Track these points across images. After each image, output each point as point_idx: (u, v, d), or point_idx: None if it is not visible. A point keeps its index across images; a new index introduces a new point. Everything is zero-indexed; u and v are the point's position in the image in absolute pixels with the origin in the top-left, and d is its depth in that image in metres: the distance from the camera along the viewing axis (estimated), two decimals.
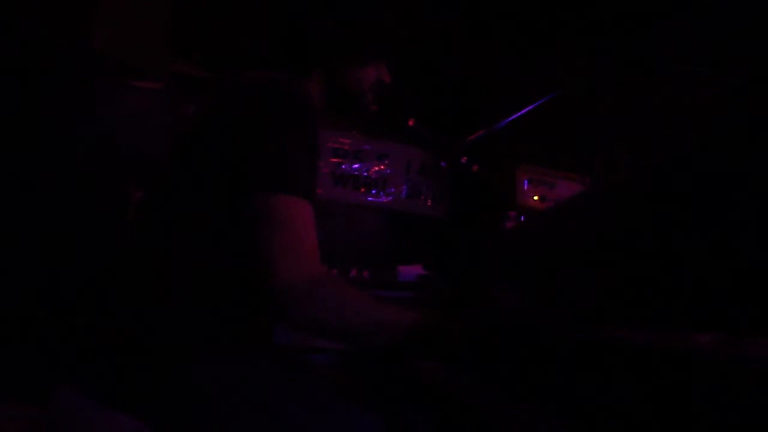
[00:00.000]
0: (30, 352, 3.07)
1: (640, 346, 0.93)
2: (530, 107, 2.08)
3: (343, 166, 4.22)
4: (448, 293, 1.80)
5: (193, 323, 1.22)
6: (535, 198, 4.13)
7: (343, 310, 1.16)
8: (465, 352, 1.17)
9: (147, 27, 3.39)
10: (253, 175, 1.18)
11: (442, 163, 1.52)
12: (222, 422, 1.15)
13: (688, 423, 0.81)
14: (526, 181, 4.12)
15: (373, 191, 4.32)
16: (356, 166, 4.27)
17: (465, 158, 1.57)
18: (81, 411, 1.16)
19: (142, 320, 1.22)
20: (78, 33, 3.16)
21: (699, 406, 0.80)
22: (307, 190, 1.20)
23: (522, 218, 3.46)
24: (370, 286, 2.37)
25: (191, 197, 1.26)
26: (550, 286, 1.40)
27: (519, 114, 2.00)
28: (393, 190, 4.37)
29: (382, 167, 4.35)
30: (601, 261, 1.25)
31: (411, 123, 1.58)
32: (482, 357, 1.17)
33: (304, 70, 1.46)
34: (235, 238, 1.19)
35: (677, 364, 0.85)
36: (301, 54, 1.47)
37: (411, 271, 2.31)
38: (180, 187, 1.28)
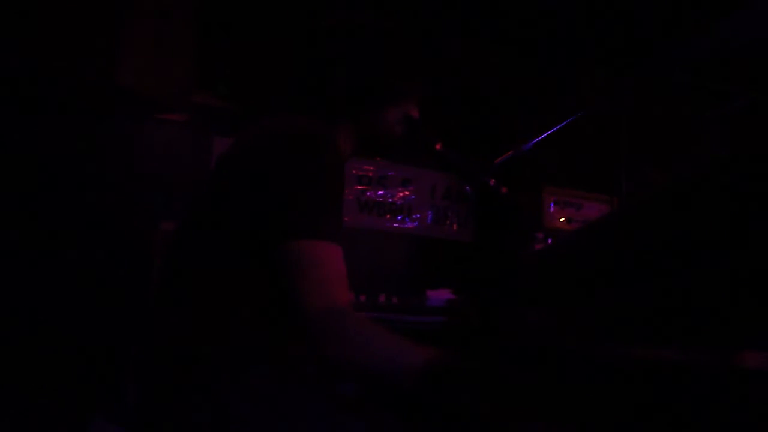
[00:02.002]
0: (67, 386, 3.09)
1: (679, 366, 0.92)
2: (556, 128, 2.07)
3: (368, 193, 4.23)
4: (477, 317, 1.79)
5: (228, 358, 1.23)
6: (562, 220, 4.12)
7: (370, 348, 1.16)
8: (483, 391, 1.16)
9: (171, 59, 3.43)
10: (280, 222, 1.20)
11: (467, 188, 1.52)
12: None
13: None
14: (552, 203, 4.10)
15: (399, 217, 4.32)
16: (381, 192, 4.28)
17: (493, 181, 1.57)
18: None
19: (177, 354, 1.23)
20: (102, 67, 3.21)
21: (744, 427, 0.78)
22: (336, 234, 1.21)
23: (549, 241, 3.44)
24: (399, 312, 2.36)
25: (222, 242, 1.27)
26: (580, 308, 1.38)
27: (545, 135, 1.99)
28: (418, 215, 4.37)
29: (407, 193, 4.36)
30: (630, 281, 1.23)
31: (438, 146, 1.57)
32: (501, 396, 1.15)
33: (328, 117, 1.46)
34: (267, 285, 1.22)
35: (720, 383, 0.83)
36: (323, 102, 1.47)
37: (439, 295, 2.30)
38: (210, 230, 1.30)
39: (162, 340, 1.28)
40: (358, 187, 4.21)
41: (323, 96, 1.47)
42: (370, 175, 4.25)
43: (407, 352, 1.17)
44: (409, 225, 4.34)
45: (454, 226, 4.46)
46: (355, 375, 1.24)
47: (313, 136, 1.28)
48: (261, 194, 1.23)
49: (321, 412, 1.22)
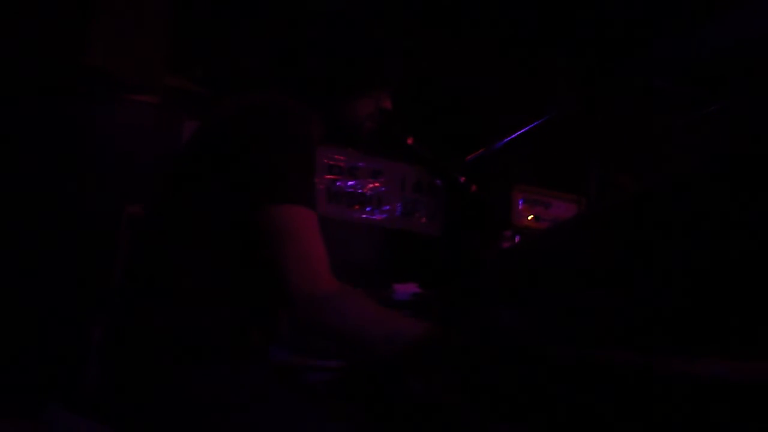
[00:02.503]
0: (22, 369, 3.05)
1: (640, 369, 0.93)
2: (527, 128, 2.08)
3: (338, 183, 4.22)
4: (443, 312, 1.79)
5: (193, 338, 1.22)
6: (531, 218, 4.14)
7: (360, 319, 1.19)
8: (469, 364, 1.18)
9: (144, 42, 3.38)
10: (259, 188, 1.20)
11: (438, 181, 1.53)
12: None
13: None
14: (521, 201, 4.13)
15: (368, 208, 4.31)
16: (351, 183, 4.27)
17: (463, 178, 1.57)
18: (72, 428, 1.15)
19: (142, 335, 1.22)
20: (74, 48, 3.15)
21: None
22: (311, 200, 1.23)
23: (517, 238, 3.46)
24: None
25: (198, 213, 1.28)
26: (547, 307, 1.39)
27: (516, 134, 2.00)
28: (388, 207, 4.37)
29: (377, 184, 4.35)
30: (597, 282, 1.24)
31: (410, 141, 1.58)
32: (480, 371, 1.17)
33: (301, 101, 1.46)
34: (247, 251, 1.23)
35: (680, 388, 0.84)
36: (297, 87, 1.47)
37: (406, 289, 2.29)
38: (186, 203, 1.30)
39: (130, 324, 1.27)
40: (329, 176, 4.19)
41: (297, 81, 1.47)
42: (341, 165, 4.24)
43: (402, 322, 1.21)
44: (378, 216, 4.34)
45: (423, 219, 4.47)
46: (343, 343, 1.26)
47: (289, 107, 1.31)
48: (239, 163, 1.24)
49: (289, 401, 1.22)
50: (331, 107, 1.49)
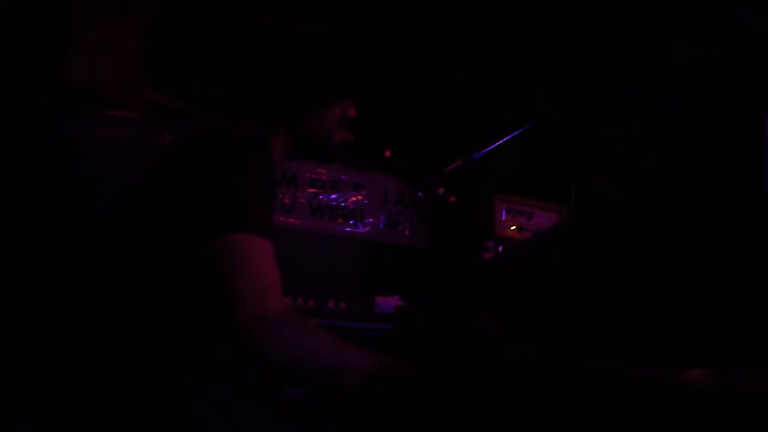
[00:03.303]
0: None
1: (623, 378, 0.93)
2: (507, 138, 2.08)
3: (321, 197, 4.21)
4: (425, 325, 1.79)
5: (159, 357, 1.21)
6: (513, 228, 4.14)
7: (305, 349, 1.17)
8: (429, 397, 1.16)
9: (123, 57, 3.37)
10: (211, 216, 1.21)
11: (420, 193, 1.53)
12: None
13: None
14: (503, 211, 4.13)
15: (351, 221, 4.30)
16: (333, 196, 4.26)
17: (442, 189, 1.57)
18: None
19: (110, 353, 1.21)
20: (52, 64, 3.13)
21: None
22: (264, 228, 1.22)
23: (500, 248, 3.47)
24: (347, 318, 2.35)
25: (158, 235, 1.27)
26: (529, 318, 1.39)
27: (496, 145, 2.00)
28: (371, 220, 4.36)
29: (360, 197, 4.35)
30: (579, 292, 1.24)
31: (387, 154, 1.57)
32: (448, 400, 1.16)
33: (265, 117, 1.46)
34: (198, 278, 1.22)
35: (661, 397, 0.84)
36: (260, 103, 1.48)
37: (388, 302, 2.29)
38: (148, 225, 1.30)
39: (96, 341, 1.26)
40: (311, 190, 4.18)
41: (260, 97, 1.47)
42: (323, 178, 4.23)
43: (349, 355, 1.19)
44: (362, 230, 4.33)
45: (406, 231, 4.46)
46: (297, 377, 1.25)
47: (240, 133, 1.31)
48: (194, 188, 1.25)
49: (263, 417, 1.21)
50: (296, 121, 1.49)
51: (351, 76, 1.55)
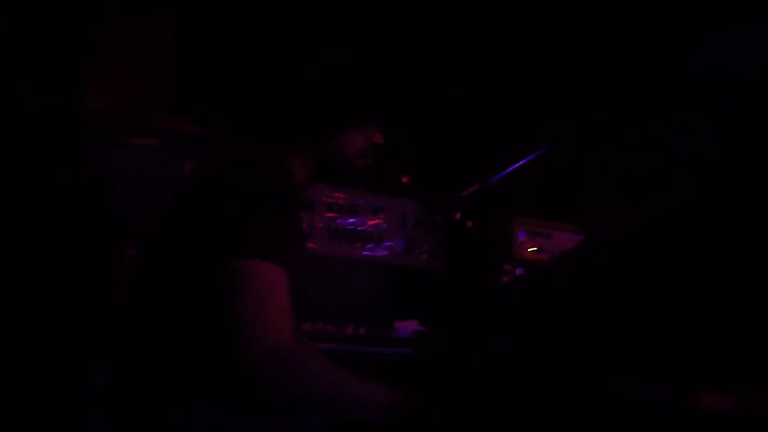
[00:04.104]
0: (30, 411, 3.03)
1: (641, 403, 0.92)
2: (523, 161, 2.09)
3: (338, 221, 4.22)
4: (445, 350, 1.78)
5: (176, 378, 1.22)
6: (532, 249, 4.14)
7: (311, 382, 1.15)
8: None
9: (142, 84, 3.42)
10: (224, 241, 1.18)
11: (437, 217, 1.53)
12: None
13: None
14: (522, 234, 4.12)
15: (369, 245, 4.31)
16: (351, 220, 4.27)
17: (459, 214, 1.58)
18: None
19: (135, 385, 1.22)
20: (72, 92, 3.18)
21: None
22: (281, 256, 1.19)
23: (519, 271, 3.46)
24: (366, 343, 2.35)
25: (174, 263, 1.27)
26: (549, 340, 1.39)
27: (512, 168, 2.01)
28: (389, 243, 4.36)
29: (378, 221, 4.35)
30: (600, 315, 1.24)
31: (404, 180, 1.58)
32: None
33: (288, 142, 1.46)
34: (209, 304, 1.18)
35: (681, 422, 0.84)
36: (283, 128, 1.47)
37: (407, 327, 2.29)
38: (165, 252, 1.30)
39: (122, 371, 1.28)
40: (329, 214, 4.20)
41: (283, 122, 1.47)
42: (341, 202, 4.25)
43: (364, 387, 1.18)
44: (380, 253, 4.33)
45: (425, 255, 4.46)
46: (304, 408, 1.23)
47: (258, 158, 1.30)
48: (206, 216, 1.23)
49: None
50: (320, 146, 1.48)
51: (375, 100, 1.55)
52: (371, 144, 1.54)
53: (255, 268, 1.16)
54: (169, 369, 1.22)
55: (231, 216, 1.21)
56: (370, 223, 4.33)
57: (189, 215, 1.28)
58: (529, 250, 4.09)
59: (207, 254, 1.20)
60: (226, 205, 1.22)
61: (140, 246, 1.43)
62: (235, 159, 1.32)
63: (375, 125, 1.55)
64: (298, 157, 1.46)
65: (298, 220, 1.32)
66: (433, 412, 1.16)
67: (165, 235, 1.33)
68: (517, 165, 2.06)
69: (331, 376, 1.17)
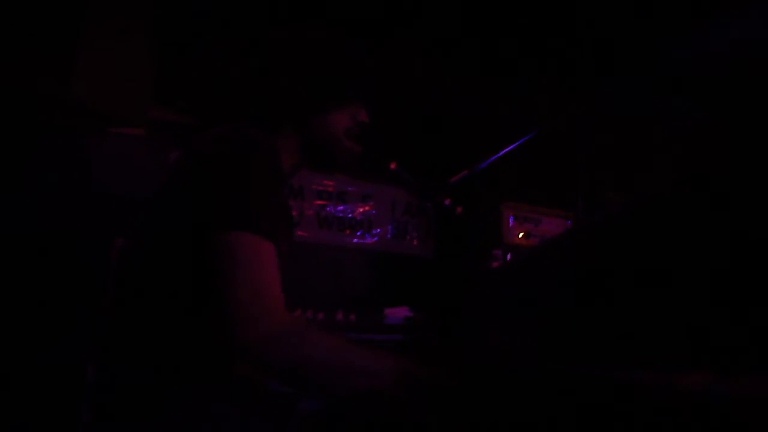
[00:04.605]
0: (17, 405, 3.01)
1: (625, 385, 0.92)
2: (513, 146, 2.08)
3: (328, 208, 4.22)
4: (435, 336, 1.78)
5: (170, 371, 1.21)
6: (521, 235, 4.14)
7: (315, 355, 1.13)
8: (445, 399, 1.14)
9: (129, 74, 3.39)
10: (215, 213, 1.17)
11: (427, 203, 1.52)
12: None
13: None
14: (511, 218, 4.12)
15: (359, 232, 4.31)
16: (341, 207, 4.27)
17: (448, 200, 1.57)
18: None
19: (126, 374, 1.22)
20: (58, 80, 3.15)
21: None
22: (270, 230, 1.18)
23: (508, 256, 3.46)
24: (357, 330, 2.35)
25: (161, 245, 1.26)
26: (538, 326, 1.39)
27: (501, 153, 2.00)
28: (378, 230, 4.37)
29: (367, 208, 4.35)
30: (587, 299, 1.24)
31: (393, 166, 1.57)
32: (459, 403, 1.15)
33: (273, 125, 1.45)
34: (202, 281, 1.16)
35: (662, 403, 0.84)
36: (267, 110, 1.47)
37: (397, 313, 2.29)
38: (152, 236, 1.29)
39: (113, 359, 1.27)
40: (318, 202, 4.19)
41: (267, 104, 1.47)
42: (330, 190, 4.24)
43: (368, 355, 1.17)
44: (369, 240, 4.33)
45: (414, 241, 4.47)
46: (305, 384, 1.21)
47: (241, 132, 1.30)
48: (197, 189, 1.22)
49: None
50: (306, 126, 1.48)
51: (358, 77, 1.54)
52: (357, 123, 1.53)
53: (246, 240, 1.15)
54: (162, 356, 1.21)
55: (220, 189, 1.19)
56: (360, 210, 4.33)
57: (174, 195, 1.27)
58: (518, 235, 4.09)
59: (194, 230, 1.18)
60: (214, 180, 1.21)
61: (128, 235, 1.41)
62: (217, 135, 1.31)
63: (360, 104, 1.55)
64: (283, 137, 1.46)
65: (285, 197, 1.30)
66: (441, 377, 1.15)
67: (151, 219, 1.32)
68: (506, 150, 2.06)
69: (332, 345, 1.16)
